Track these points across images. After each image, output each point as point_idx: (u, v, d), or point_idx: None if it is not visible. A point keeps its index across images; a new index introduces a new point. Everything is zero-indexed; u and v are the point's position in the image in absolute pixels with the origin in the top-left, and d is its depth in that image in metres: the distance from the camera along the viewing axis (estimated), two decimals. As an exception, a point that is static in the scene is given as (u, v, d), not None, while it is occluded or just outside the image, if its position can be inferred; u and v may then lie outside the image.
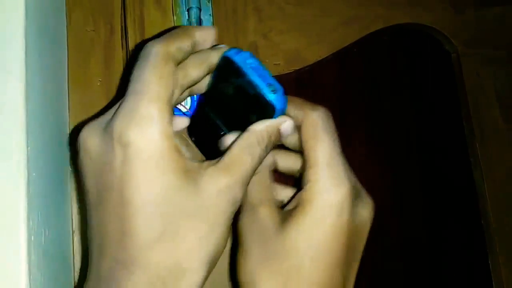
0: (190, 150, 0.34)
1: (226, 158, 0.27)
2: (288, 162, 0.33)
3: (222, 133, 0.32)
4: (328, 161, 0.29)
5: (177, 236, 0.25)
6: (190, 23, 0.48)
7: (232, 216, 0.27)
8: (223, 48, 0.31)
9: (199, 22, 0.48)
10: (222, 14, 0.50)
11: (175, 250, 0.25)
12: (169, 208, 0.25)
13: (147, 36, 0.48)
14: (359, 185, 0.31)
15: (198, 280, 0.25)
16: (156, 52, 0.26)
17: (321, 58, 0.51)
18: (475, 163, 0.56)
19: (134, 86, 0.26)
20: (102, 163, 0.26)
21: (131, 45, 0.47)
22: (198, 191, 0.25)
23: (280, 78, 0.50)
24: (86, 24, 0.47)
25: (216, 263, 0.27)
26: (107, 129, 0.26)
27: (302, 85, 0.52)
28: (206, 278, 0.26)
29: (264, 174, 0.32)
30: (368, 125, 0.53)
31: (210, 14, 0.50)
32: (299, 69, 0.50)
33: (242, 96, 0.30)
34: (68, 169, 0.42)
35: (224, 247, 0.27)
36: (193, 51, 0.29)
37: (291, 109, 0.31)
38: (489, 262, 0.54)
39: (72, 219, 0.42)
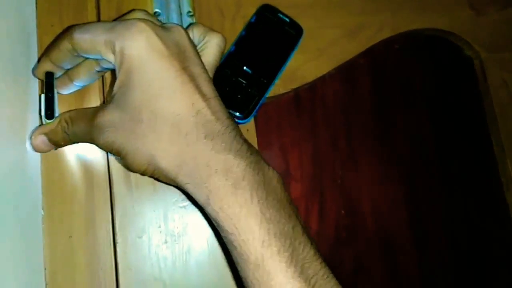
0: None
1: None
2: None
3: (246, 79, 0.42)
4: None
5: None
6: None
7: None
8: None
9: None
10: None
11: None
12: None
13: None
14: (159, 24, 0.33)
15: None
16: None
17: (321, 75, 0.47)
18: (507, 183, 0.51)
19: None
20: None
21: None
22: None
23: (277, 98, 0.45)
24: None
25: None
26: None
27: (302, 104, 0.49)
28: None
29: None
30: (380, 145, 0.50)
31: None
32: (297, 88, 0.47)
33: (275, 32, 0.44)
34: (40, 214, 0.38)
35: None
36: None
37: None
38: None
39: (45, 273, 0.38)
